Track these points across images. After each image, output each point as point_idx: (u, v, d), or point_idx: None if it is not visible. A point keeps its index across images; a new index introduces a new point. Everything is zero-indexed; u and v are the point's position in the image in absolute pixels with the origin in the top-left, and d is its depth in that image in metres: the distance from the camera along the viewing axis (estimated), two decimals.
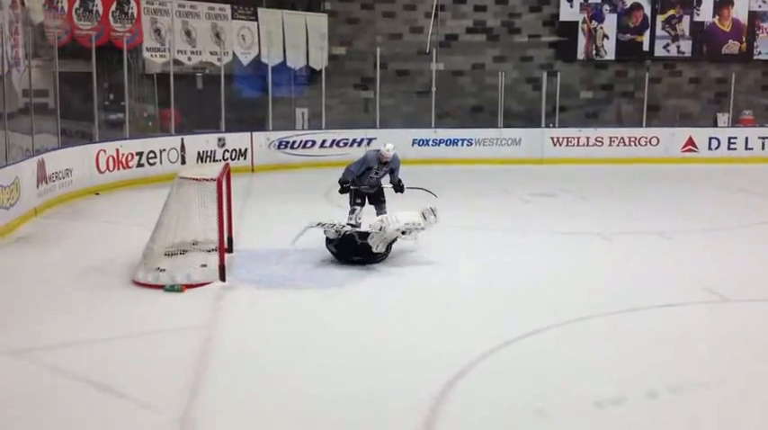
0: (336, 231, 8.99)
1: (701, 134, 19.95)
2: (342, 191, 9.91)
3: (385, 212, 9.83)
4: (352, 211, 9.69)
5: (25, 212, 11.32)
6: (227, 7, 18.17)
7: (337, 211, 10.57)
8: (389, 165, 9.85)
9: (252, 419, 5.13)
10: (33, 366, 6.01)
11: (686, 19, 21.62)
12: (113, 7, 15.88)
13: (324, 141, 18.27)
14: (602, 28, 21.51)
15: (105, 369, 5.88)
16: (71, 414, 5.23)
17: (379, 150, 9.86)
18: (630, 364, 6.08)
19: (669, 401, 5.48)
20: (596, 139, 19.65)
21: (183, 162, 15.88)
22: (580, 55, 21.58)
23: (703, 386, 5.71)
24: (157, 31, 16.77)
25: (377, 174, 9.85)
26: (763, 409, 5.43)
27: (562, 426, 5.14)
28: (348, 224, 9.42)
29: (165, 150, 15.71)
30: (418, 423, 5.02)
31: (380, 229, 8.85)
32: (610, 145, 19.64)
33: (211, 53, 17.82)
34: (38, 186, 11.97)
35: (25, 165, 11.57)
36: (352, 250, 8.93)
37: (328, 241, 9.09)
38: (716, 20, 21.70)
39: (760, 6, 21.71)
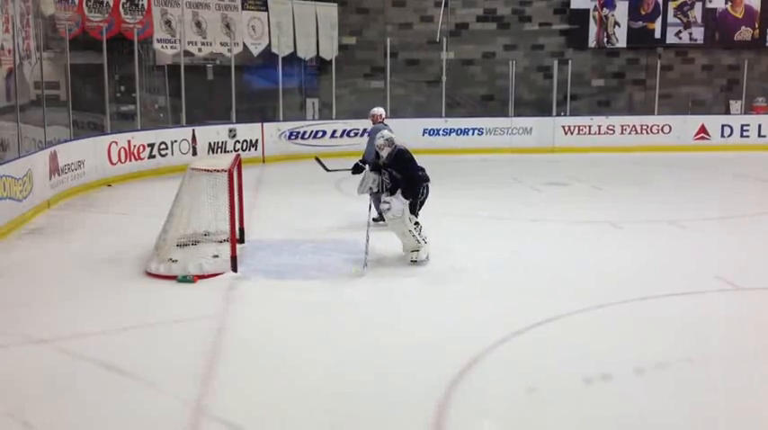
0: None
1: (713, 122, 19.84)
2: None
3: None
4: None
5: (38, 204, 11.38)
6: None
7: (347, 200, 10.58)
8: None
9: (263, 407, 5.15)
10: (49, 355, 6.07)
11: (698, 6, 21.45)
12: None
13: (334, 131, 18.26)
14: (613, 15, 21.38)
15: (118, 358, 5.91)
16: (87, 399, 5.29)
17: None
18: (640, 349, 6.09)
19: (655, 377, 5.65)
20: (608, 128, 19.57)
21: (195, 153, 15.91)
22: (591, 43, 21.46)
23: (693, 364, 5.81)
24: (168, 22, 16.79)
25: None
26: (748, 386, 5.53)
27: (555, 403, 5.22)
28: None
29: (176, 141, 15.75)
30: (430, 411, 5.03)
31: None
32: (621, 133, 19.55)
33: (222, 44, 17.83)
34: (50, 178, 12.02)
35: (38, 157, 11.63)
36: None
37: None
38: (728, 6, 21.51)
39: None
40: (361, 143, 16.72)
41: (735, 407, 5.19)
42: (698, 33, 21.56)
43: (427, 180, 8.74)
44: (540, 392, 5.41)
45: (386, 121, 10.63)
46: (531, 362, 5.91)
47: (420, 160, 8.80)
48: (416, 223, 8.67)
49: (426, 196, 8.79)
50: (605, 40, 21.49)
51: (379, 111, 10.76)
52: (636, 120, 19.83)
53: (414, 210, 8.67)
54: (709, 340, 6.38)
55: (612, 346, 6.21)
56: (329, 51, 19.73)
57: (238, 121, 17.19)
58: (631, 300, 7.37)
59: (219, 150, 16.48)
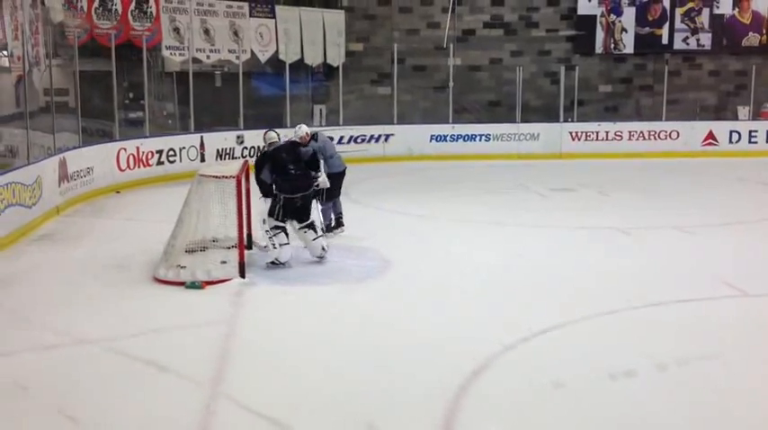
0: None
1: (721, 127, 19.82)
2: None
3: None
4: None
5: (47, 210, 11.43)
6: (245, 5, 18.26)
7: (354, 206, 10.59)
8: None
9: (272, 409, 5.16)
10: (59, 360, 6.10)
11: (705, 12, 21.46)
12: (132, 6, 16.01)
13: (341, 138, 18.25)
14: (620, 21, 21.40)
15: (129, 362, 5.95)
16: (99, 401, 5.32)
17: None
18: (647, 354, 6.08)
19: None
20: (615, 134, 19.56)
21: (203, 160, 15.96)
22: (598, 49, 21.48)
23: (700, 369, 5.86)
24: (176, 29, 16.88)
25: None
26: (755, 391, 5.53)
27: (556, 404, 5.25)
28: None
29: (184, 148, 15.81)
30: (438, 414, 5.04)
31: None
32: (629, 139, 19.54)
33: (230, 51, 17.91)
34: (59, 185, 12.09)
35: (47, 163, 11.69)
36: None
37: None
38: (735, 12, 21.52)
39: None
40: (370, 149, 16.88)
41: (740, 410, 5.19)
42: (705, 39, 21.56)
43: (285, 191, 8.66)
44: (542, 393, 5.41)
45: (320, 134, 10.19)
46: (532, 363, 5.93)
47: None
48: (276, 227, 8.63)
49: (286, 206, 8.68)
50: (612, 45, 21.50)
51: (303, 131, 10.07)
52: (643, 126, 19.83)
53: (274, 214, 8.65)
54: (717, 346, 6.35)
55: (618, 350, 6.21)
56: (336, 58, 19.79)
57: (246, 128, 17.22)
58: (638, 305, 7.35)
59: (227, 157, 16.53)
